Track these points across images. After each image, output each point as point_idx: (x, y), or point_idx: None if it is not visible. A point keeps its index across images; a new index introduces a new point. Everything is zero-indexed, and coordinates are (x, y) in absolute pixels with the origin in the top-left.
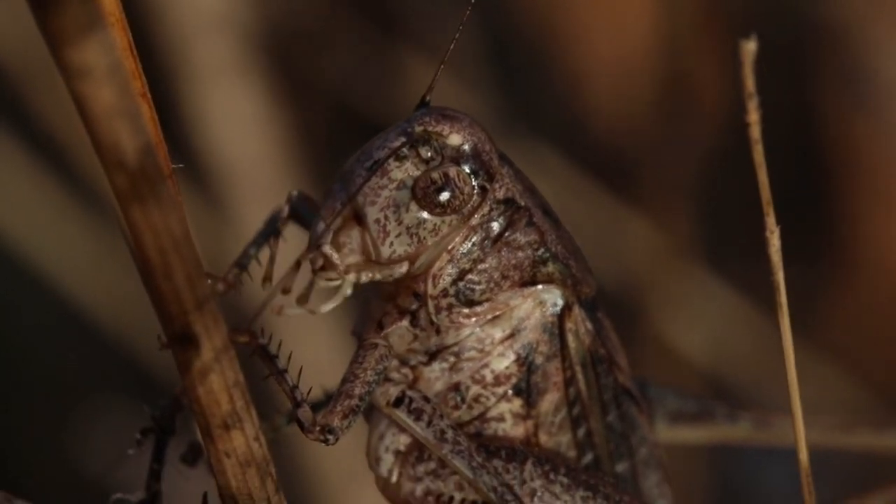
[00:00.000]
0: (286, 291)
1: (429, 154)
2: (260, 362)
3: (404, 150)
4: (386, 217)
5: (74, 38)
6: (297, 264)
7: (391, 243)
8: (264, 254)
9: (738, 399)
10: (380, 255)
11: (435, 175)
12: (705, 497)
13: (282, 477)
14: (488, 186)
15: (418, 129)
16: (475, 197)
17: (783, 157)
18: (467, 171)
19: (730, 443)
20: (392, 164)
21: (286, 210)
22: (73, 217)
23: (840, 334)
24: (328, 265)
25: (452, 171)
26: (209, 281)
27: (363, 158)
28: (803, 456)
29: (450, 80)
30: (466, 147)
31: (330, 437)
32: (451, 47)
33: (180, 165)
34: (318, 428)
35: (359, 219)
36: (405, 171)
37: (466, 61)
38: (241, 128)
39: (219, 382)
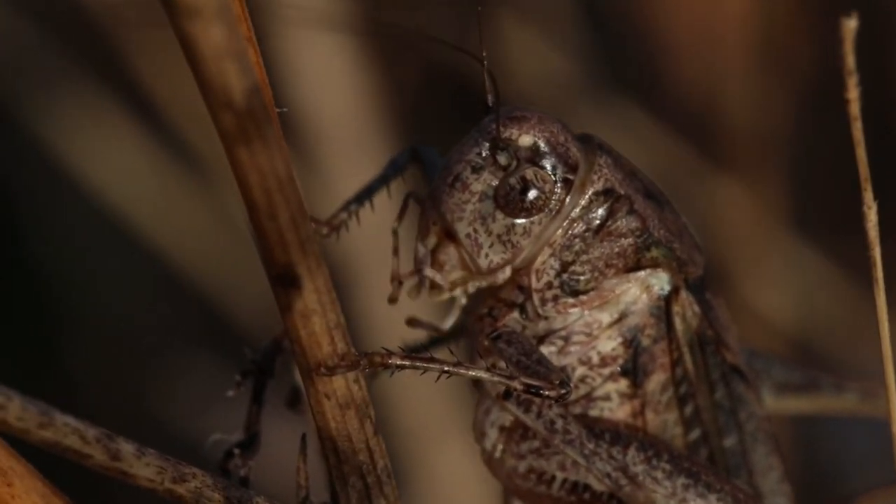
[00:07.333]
0: (392, 301)
1: (503, 160)
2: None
3: (479, 161)
4: (475, 230)
5: None
6: (399, 283)
7: (486, 254)
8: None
9: (825, 366)
10: (479, 268)
11: (513, 180)
12: (809, 463)
13: (380, 421)
14: (571, 177)
15: (488, 137)
16: (559, 191)
17: (878, 127)
18: (546, 167)
19: (835, 413)
20: (470, 176)
21: (407, 155)
22: (164, 171)
23: None
24: (434, 286)
25: (529, 173)
26: (313, 223)
27: (445, 175)
28: (895, 428)
29: (538, 40)
30: (540, 144)
31: (568, 385)
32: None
33: (284, 109)
34: (557, 382)
35: (451, 236)
36: (484, 181)
37: (556, 21)
38: (332, 80)
39: (320, 324)
